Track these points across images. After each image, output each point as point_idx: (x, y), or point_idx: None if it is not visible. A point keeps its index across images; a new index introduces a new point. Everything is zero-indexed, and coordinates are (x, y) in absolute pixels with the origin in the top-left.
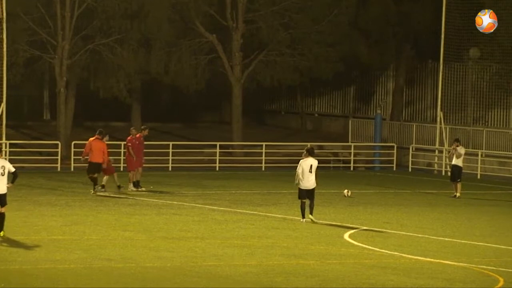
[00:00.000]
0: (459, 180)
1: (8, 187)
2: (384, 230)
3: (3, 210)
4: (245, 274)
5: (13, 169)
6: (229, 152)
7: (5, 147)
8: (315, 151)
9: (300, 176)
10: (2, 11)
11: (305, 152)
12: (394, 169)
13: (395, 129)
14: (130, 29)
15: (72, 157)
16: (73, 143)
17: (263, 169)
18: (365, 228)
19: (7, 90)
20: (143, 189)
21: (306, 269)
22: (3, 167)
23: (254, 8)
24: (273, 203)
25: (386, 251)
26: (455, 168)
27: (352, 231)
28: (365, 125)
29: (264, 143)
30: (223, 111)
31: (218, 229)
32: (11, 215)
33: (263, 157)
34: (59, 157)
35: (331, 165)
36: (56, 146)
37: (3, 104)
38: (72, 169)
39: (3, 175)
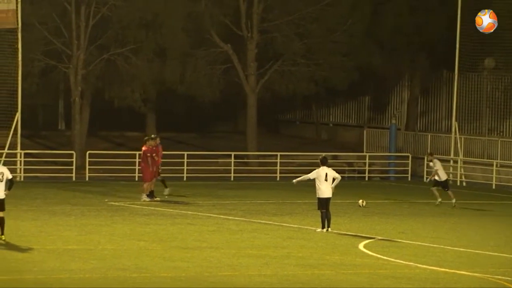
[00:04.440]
0: (446, 189)
1: (5, 194)
2: (399, 240)
3: (2, 215)
4: (260, 284)
5: (10, 176)
6: (244, 162)
7: (20, 157)
8: (330, 160)
9: (317, 186)
10: (17, 21)
11: (319, 162)
12: (409, 179)
13: (410, 139)
14: (145, 38)
15: (87, 167)
16: (88, 152)
17: (278, 179)
18: (380, 238)
19: (22, 99)
20: (158, 199)
21: (321, 279)
22: (2, 173)
23: (269, 18)
24: (288, 213)
25: (401, 261)
26: (444, 183)
27: (367, 241)
28: (380, 135)
29: (279, 153)
30: (238, 121)
31: (233, 239)
32: (26, 225)
33: (278, 167)
34: (74, 167)
35: (346, 175)
36: (71, 156)
37: (18, 114)
38: (87, 179)
39: (1, 182)
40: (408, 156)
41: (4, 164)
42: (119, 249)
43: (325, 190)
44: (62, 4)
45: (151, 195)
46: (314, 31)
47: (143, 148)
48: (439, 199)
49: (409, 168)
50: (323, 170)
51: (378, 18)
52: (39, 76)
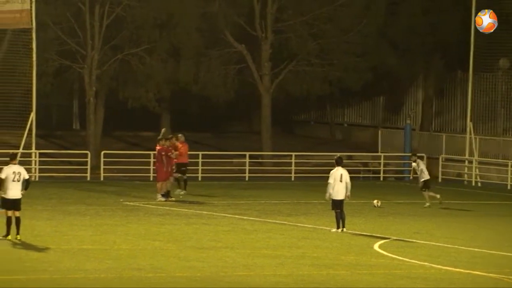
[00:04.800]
0: (424, 190)
1: (22, 194)
2: (414, 240)
3: (18, 214)
4: (275, 284)
5: (27, 176)
6: (258, 162)
7: (35, 157)
8: (344, 161)
9: (332, 187)
10: (31, 21)
11: (334, 162)
12: None
13: (425, 139)
14: (159, 38)
15: (102, 167)
16: (102, 152)
17: (292, 179)
18: (395, 238)
19: (37, 99)
20: (173, 199)
21: (336, 279)
22: (19, 173)
23: (283, 18)
24: (303, 213)
25: (416, 262)
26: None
27: (382, 241)
28: (394, 135)
29: (293, 153)
30: (252, 121)
31: (248, 239)
32: (41, 224)
33: (293, 167)
34: (88, 167)
35: (361, 175)
36: (85, 155)
37: (33, 114)
38: (101, 179)
39: (18, 181)
40: (423, 157)
41: (19, 164)
42: (134, 249)
43: (339, 191)
44: (76, 4)
45: (166, 195)
46: (328, 31)
47: (157, 148)
48: (438, 196)
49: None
50: (338, 171)
51: (392, 19)
52: (54, 76)
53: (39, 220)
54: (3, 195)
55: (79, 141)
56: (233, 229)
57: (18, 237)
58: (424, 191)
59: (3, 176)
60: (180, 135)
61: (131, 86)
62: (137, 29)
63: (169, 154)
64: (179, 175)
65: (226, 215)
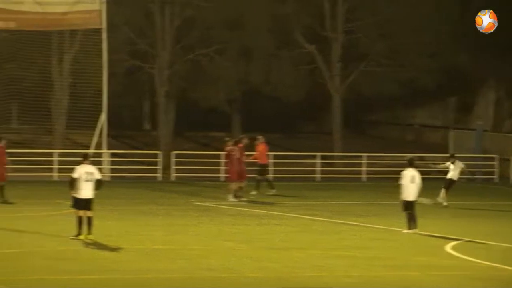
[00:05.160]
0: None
1: (94, 194)
2: (487, 242)
3: (90, 214)
4: (346, 285)
5: (99, 177)
6: (329, 162)
7: (106, 157)
8: (415, 162)
9: (404, 188)
10: (102, 21)
11: (406, 163)
12: (496, 181)
13: (497, 141)
14: (229, 39)
15: (173, 167)
16: (173, 153)
17: (363, 180)
18: (467, 239)
19: (108, 99)
20: (244, 199)
21: (408, 281)
22: (92, 173)
23: (353, 18)
24: (374, 214)
25: (489, 263)
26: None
27: (454, 242)
28: (466, 136)
29: (364, 154)
30: (323, 121)
31: (319, 239)
32: (113, 224)
33: (364, 168)
34: (159, 167)
35: (432, 176)
36: (156, 156)
37: (104, 114)
38: (172, 179)
39: (90, 181)
40: (495, 158)
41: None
42: (206, 249)
43: (411, 192)
44: (146, 4)
45: (237, 195)
46: (398, 31)
47: (227, 148)
48: (446, 203)
49: (496, 170)
50: (410, 172)
51: (464, 18)
52: (124, 77)
53: (110, 220)
54: (75, 195)
55: (150, 141)
56: (304, 229)
57: (90, 237)
58: (444, 188)
59: (76, 176)
60: (260, 136)
61: (201, 87)
62: (208, 29)
63: (232, 153)
64: (258, 175)
65: (297, 215)
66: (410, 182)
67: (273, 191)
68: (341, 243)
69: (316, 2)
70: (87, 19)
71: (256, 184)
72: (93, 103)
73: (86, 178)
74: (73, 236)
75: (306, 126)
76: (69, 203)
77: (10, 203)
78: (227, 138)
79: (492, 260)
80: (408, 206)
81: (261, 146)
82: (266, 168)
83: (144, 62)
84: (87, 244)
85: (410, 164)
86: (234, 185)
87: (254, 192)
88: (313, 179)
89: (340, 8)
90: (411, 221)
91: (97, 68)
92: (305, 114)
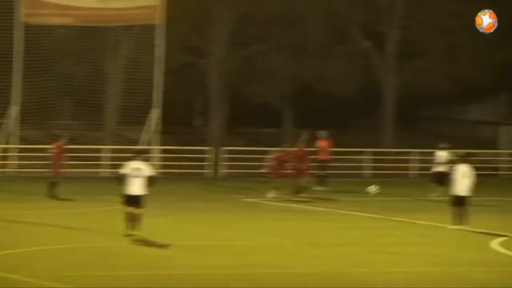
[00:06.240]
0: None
1: (147, 191)
2: None
3: (139, 211)
4: (393, 281)
5: (151, 173)
6: (379, 158)
7: (158, 153)
8: (467, 158)
9: (456, 182)
10: (159, 17)
11: (458, 159)
12: None
13: None
14: (284, 35)
15: (223, 163)
16: (224, 149)
17: (413, 175)
18: None
19: (160, 95)
20: (304, 195)
21: (455, 277)
22: (140, 169)
23: (409, 14)
24: (422, 210)
25: None
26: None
27: (501, 239)
28: None
29: (414, 150)
30: (375, 117)
31: (366, 235)
32: (159, 220)
33: (415, 164)
34: (211, 163)
35: (484, 172)
36: (207, 152)
37: (157, 110)
38: (223, 175)
39: (138, 178)
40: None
41: (143, 160)
42: (252, 245)
43: (463, 187)
44: (202, 0)
45: (297, 192)
46: (454, 27)
47: (298, 146)
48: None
49: None
50: (462, 168)
51: None
52: (178, 72)
53: (158, 216)
54: (124, 191)
55: (201, 137)
56: (351, 225)
57: (138, 233)
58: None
59: (123, 172)
60: (322, 132)
61: (253, 82)
62: (262, 25)
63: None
64: (319, 171)
65: (346, 211)
66: (462, 178)
67: (322, 188)
68: (389, 239)
69: None
70: (144, 14)
71: (319, 180)
72: (145, 99)
73: (133, 174)
74: (125, 233)
75: (358, 122)
76: (120, 199)
77: (61, 199)
78: (300, 138)
79: None
80: (459, 201)
81: (323, 142)
82: (326, 164)
83: (198, 58)
84: (134, 241)
85: (463, 160)
86: (281, 183)
87: (319, 188)
88: (362, 175)
89: (397, 4)
90: (461, 217)
91: (150, 63)
92: (357, 110)
